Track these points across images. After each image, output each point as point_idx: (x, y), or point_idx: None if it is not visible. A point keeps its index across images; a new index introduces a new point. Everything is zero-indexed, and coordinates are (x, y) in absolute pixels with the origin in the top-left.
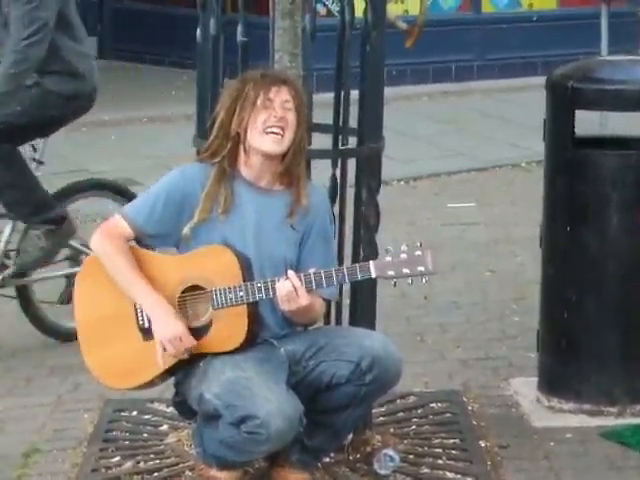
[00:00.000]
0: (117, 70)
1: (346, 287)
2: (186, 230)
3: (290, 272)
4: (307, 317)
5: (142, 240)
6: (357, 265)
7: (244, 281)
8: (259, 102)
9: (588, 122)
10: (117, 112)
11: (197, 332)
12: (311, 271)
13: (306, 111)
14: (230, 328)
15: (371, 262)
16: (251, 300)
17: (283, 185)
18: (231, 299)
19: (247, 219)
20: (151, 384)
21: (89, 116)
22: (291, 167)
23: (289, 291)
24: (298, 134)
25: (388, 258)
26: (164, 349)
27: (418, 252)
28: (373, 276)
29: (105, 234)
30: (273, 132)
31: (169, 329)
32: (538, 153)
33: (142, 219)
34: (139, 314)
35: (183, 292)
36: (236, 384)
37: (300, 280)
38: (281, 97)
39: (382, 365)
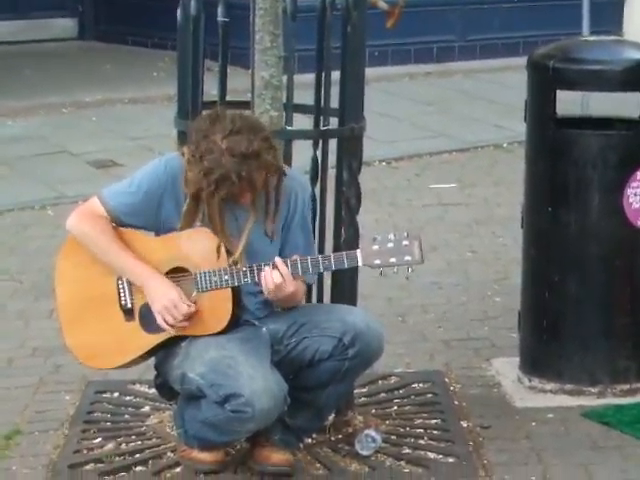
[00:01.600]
0: (98, 51)
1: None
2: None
3: (277, 259)
4: (291, 301)
5: (118, 224)
6: (344, 253)
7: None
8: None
9: (570, 103)
10: (98, 93)
11: None
12: (298, 257)
13: (267, 150)
14: (214, 311)
15: (358, 250)
16: (236, 284)
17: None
18: (216, 282)
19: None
20: (132, 363)
21: (70, 97)
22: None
23: (277, 278)
24: (260, 187)
25: (375, 247)
26: (164, 319)
27: (405, 242)
28: (360, 264)
29: (83, 214)
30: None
31: (163, 298)
32: (520, 134)
33: (120, 207)
34: (121, 294)
35: (166, 274)
36: (220, 363)
37: (287, 267)
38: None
39: (364, 339)
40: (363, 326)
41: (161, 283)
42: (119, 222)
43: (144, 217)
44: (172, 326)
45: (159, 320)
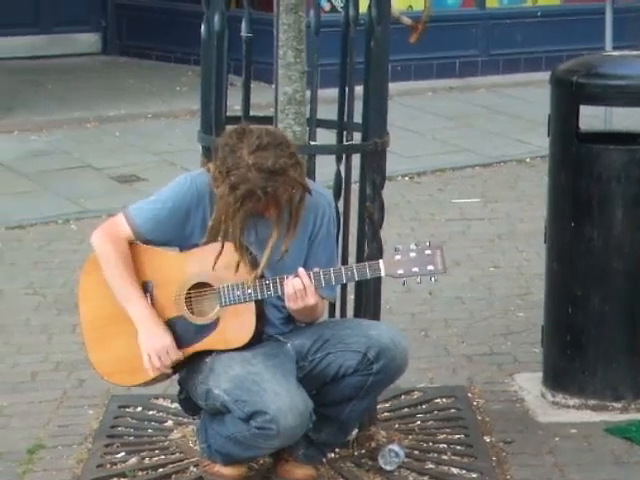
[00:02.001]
0: (121, 66)
1: (351, 283)
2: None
3: (300, 270)
4: (311, 316)
5: (142, 241)
6: (367, 263)
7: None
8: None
9: (593, 117)
10: (121, 108)
11: (203, 330)
12: (320, 270)
13: (287, 176)
14: (237, 325)
15: (381, 261)
16: (259, 297)
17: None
18: (239, 296)
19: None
20: (155, 381)
21: (93, 112)
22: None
23: (298, 290)
24: (284, 203)
25: (398, 257)
26: (150, 361)
27: (428, 251)
28: (382, 275)
29: (107, 234)
30: None
31: (156, 341)
32: (543, 148)
33: (145, 226)
34: None
35: (190, 289)
36: (245, 379)
37: (310, 278)
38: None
39: (389, 354)
40: (388, 341)
41: (158, 326)
42: (143, 239)
43: (169, 233)
44: (157, 369)
45: (145, 360)
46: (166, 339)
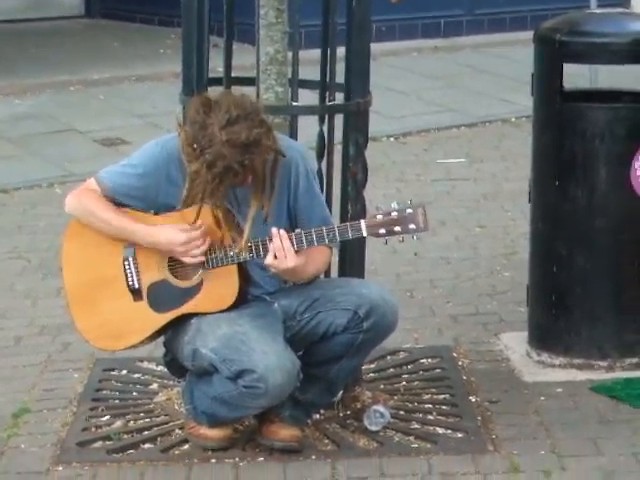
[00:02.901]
0: (105, 29)
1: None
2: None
3: (281, 231)
4: (297, 277)
5: (115, 203)
6: (348, 224)
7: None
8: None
9: (578, 76)
10: (105, 71)
11: (187, 293)
12: (302, 230)
13: (260, 148)
14: (221, 288)
15: (362, 221)
16: (241, 260)
17: None
18: (221, 259)
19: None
20: (141, 344)
21: (78, 75)
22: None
23: (278, 251)
24: (262, 171)
25: (379, 216)
26: (192, 258)
27: (410, 210)
28: (364, 235)
29: (79, 194)
30: None
31: (176, 244)
32: (528, 108)
33: (117, 190)
34: (128, 275)
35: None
36: (233, 338)
37: (290, 239)
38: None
39: (380, 312)
40: (378, 298)
41: (164, 233)
42: (115, 203)
43: (141, 198)
44: (198, 256)
45: (189, 261)
46: (178, 236)
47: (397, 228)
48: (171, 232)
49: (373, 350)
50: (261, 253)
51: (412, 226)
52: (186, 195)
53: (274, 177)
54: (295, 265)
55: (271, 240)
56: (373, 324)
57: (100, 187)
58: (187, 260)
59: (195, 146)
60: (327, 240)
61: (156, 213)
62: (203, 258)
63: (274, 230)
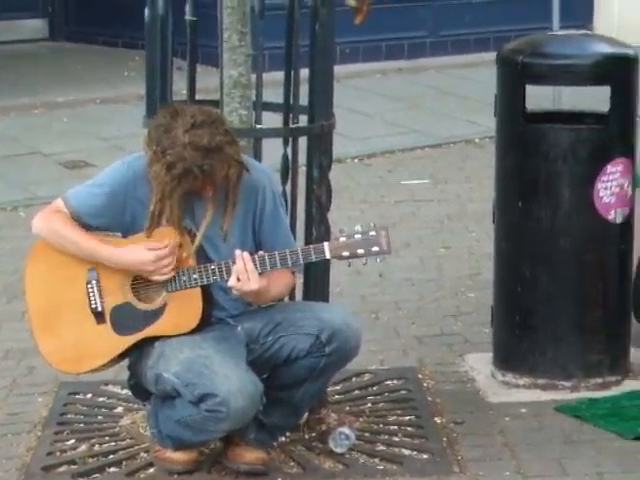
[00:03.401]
0: (69, 52)
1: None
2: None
3: (245, 253)
4: (261, 299)
5: (82, 225)
6: (311, 246)
7: (197, 264)
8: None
9: (542, 98)
10: (69, 94)
11: (151, 316)
12: (265, 253)
13: (221, 154)
14: (184, 311)
15: (325, 243)
16: (205, 283)
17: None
18: (184, 282)
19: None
20: (104, 367)
21: (41, 97)
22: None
23: (241, 274)
24: (220, 181)
25: (342, 239)
26: (162, 274)
27: (372, 232)
28: (327, 257)
29: (47, 215)
30: None
31: (143, 262)
32: (491, 129)
33: (83, 210)
34: (91, 297)
35: (136, 276)
36: (195, 363)
37: (254, 262)
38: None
39: (342, 337)
40: (340, 323)
41: (133, 253)
42: (82, 223)
43: (108, 218)
44: (165, 272)
45: (160, 279)
46: (145, 255)
47: (360, 251)
48: (140, 252)
49: (338, 372)
50: (224, 275)
51: (375, 249)
52: (151, 209)
53: (236, 193)
54: (258, 288)
55: (234, 262)
56: (335, 349)
57: (67, 208)
58: (157, 278)
59: (157, 148)
60: (290, 263)
61: (124, 236)
62: (173, 273)
63: (237, 252)
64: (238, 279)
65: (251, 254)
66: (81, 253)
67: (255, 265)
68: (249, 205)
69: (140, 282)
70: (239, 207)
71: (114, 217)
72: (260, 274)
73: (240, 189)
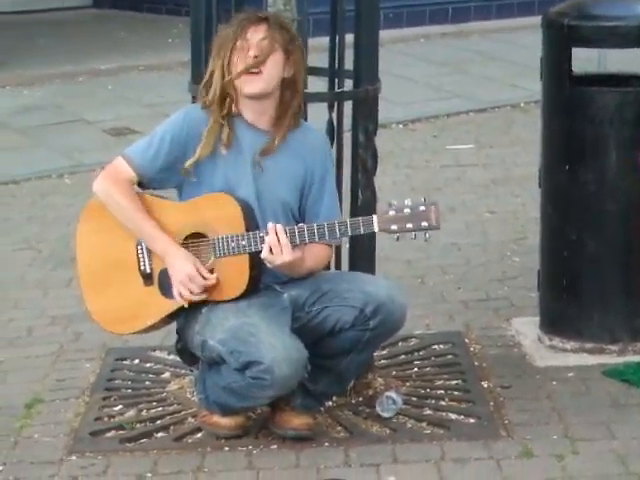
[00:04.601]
0: (113, 19)
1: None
2: (188, 164)
3: (278, 225)
4: (295, 272)
5: (144, 182)
6: (360, 219)
7: (247, 230)
8: (238, 44)
9: (587, 60)
10: (113, 61)
11: None
12: (304, 225)
13: (299, 49)
14: (232, 276)
15: (374, 216)
16: (253, 250)
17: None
18: (233, 248)
19: (246, 160)
20: (152, 328)
21: (85, 65)
22: (283, 106)
23: (274, 246)
24: (285, 71)
25: (391, 212)
26: (180, 293)
27: (422, 207)
28: (376, 230)
29: (109, 177)
30: (250, 72)
31: (181, 272)
32: (536, 93)
33: (145, 161)
34: (140, 259)
35: (185, 239)
36: (240, 330)
37: (291, 234)
38: (258, 35)
39: (386, 310)
40: (385, 297)
41: (178, 256)
42: (145, 178)
43: (169, 171)
44: (186, 299)
45: (175, 293)
46: (188, 267)
47: (409, 225)
48: (185, 261)
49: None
50: (259, 246)
51: (424, 224)
52: (209, 129)
53: (288, 115)
54: (291, 260)
55: (267, 234)
56: (380, 322)
57: (129, 164)
58: (175, 292)
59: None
60: (338, 234)
61: (179, 191)
62: (185, 303)
63: (270, 225)
64: (271, 251)
65: (284, 225)
66: (135, 231)
67: (288, 236)
68: (302, 159)
69: (189, 245)
70: (291, 160)
71: (174, 163)
72: (296, 245)
73: (294, 120)
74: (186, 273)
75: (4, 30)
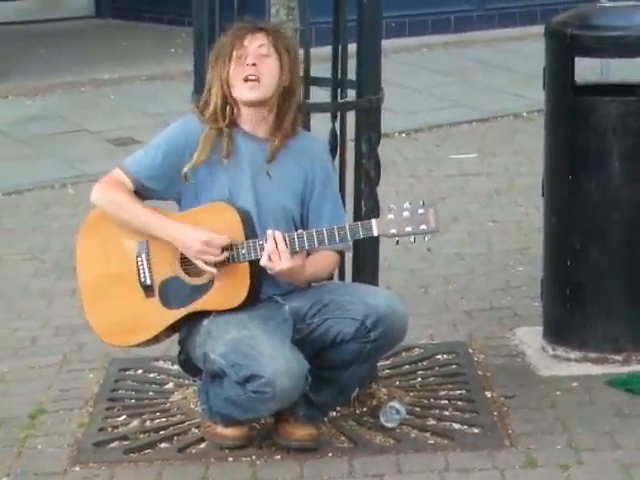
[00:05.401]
0: (115, 29)
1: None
2: (186, 169)
3: (277, 232)
4: (295, 279)
5: (142, 192)
6: (359, 223)
7: (246, 239)
8: (235, 52)
9: (589, 70)
10: (116, 71)
11: (198, 290)
12: (303, 231)
13: (296, 56)
14: (232, 286)
15: (373, 220)
16: (253, 258)
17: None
18: (233, 257)
19: (244, 169)
20: (154, 341)
21: (88, 75)
22: (280, 114)
23: (272, 253)
24: (283, 79)
25: (391, 216)
26: (204, 262)
27: (421, 210)
28: (375, 234)
29: (106, 185)
30: (248, 79)
31: (195, 241)
32: (539, 102)
33: (143, 171)
34: (141, 271)
35: None
36: (241, 343)
37: (289, 241)
38: (255, 43)
39: (387, 323)
40: (386, 308)
41: (186, 229)
42: (142, 189)
43: (167, 180)
44: (215, 265)
45: (201, 266)
46: (199, 234)
47: (408, 228)
48: (193, 231)
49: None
50: (258, 254)
51: (423, 227)
52: (205, 135)
53: (286, 117)
54: (290, 267)
55: (267, 241)
56: (380, 334)
57: (126, 174)
58: (199, 265)
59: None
60: (338, 239)
61: (179, 203)
62: (214, 270)
63: (269, 232)
64: (270, 259)
65: (283, 233)
66: (137, 224)
67: (287, 244)
68: (302, 168)
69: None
70: (291, 167)
71: (172, 174)
72: (296, 253)
73: (294, 124)
74: (201, 240)
75: (7, 40)
